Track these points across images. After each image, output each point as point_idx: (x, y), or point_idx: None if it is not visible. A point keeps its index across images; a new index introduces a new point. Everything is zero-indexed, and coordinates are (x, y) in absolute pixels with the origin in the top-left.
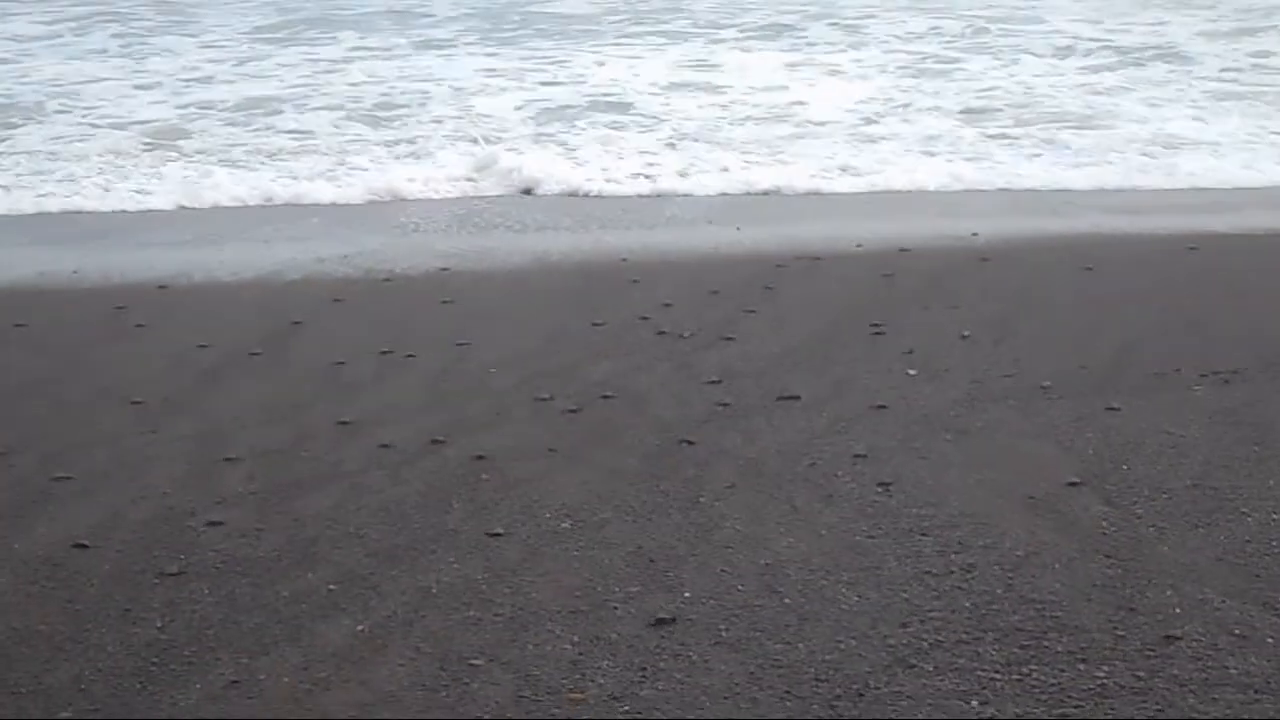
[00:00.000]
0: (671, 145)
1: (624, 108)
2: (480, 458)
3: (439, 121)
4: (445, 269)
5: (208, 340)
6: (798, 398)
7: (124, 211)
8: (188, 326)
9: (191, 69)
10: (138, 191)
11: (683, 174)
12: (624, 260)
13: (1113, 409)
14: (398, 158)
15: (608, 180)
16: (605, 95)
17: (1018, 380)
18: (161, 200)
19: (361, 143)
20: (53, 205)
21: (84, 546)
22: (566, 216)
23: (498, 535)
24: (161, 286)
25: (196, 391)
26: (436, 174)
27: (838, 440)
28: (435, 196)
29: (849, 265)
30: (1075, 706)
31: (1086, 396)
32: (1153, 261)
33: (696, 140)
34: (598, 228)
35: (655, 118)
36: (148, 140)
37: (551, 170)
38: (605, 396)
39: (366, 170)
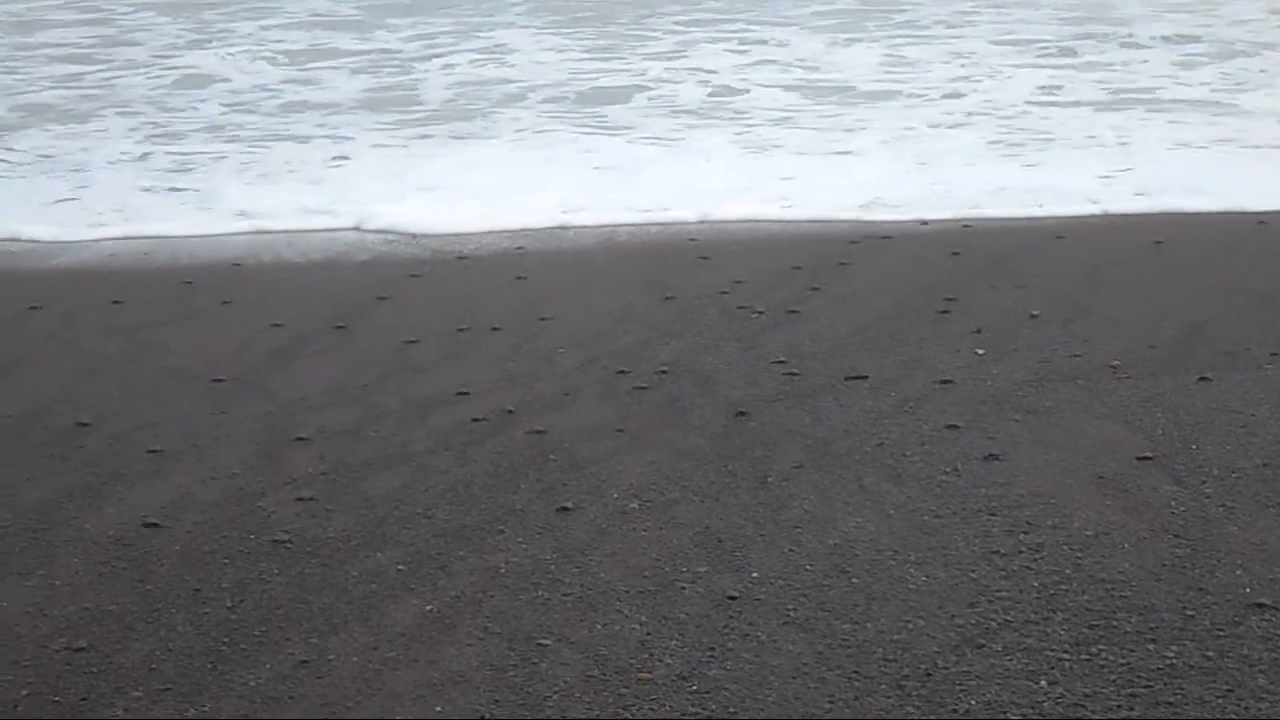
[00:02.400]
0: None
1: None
2: (548, 438)
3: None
4: (520, 248)
5: (280, 320)
6: (866, 377)
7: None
8: (260, 306)
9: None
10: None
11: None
12: (692, 240)
13: (1182, 388)
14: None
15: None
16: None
17: (1086, 359)
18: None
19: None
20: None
21: (155, 526)
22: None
23: (566, 515)
24: (236, 265)
25: (268, 371)
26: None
27: (906, 420)
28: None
29: (916, 243)
30: (1145, 686)
31: (1156, 375)
32: (1222, 237)
33: None
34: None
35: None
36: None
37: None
38: (673, 375)
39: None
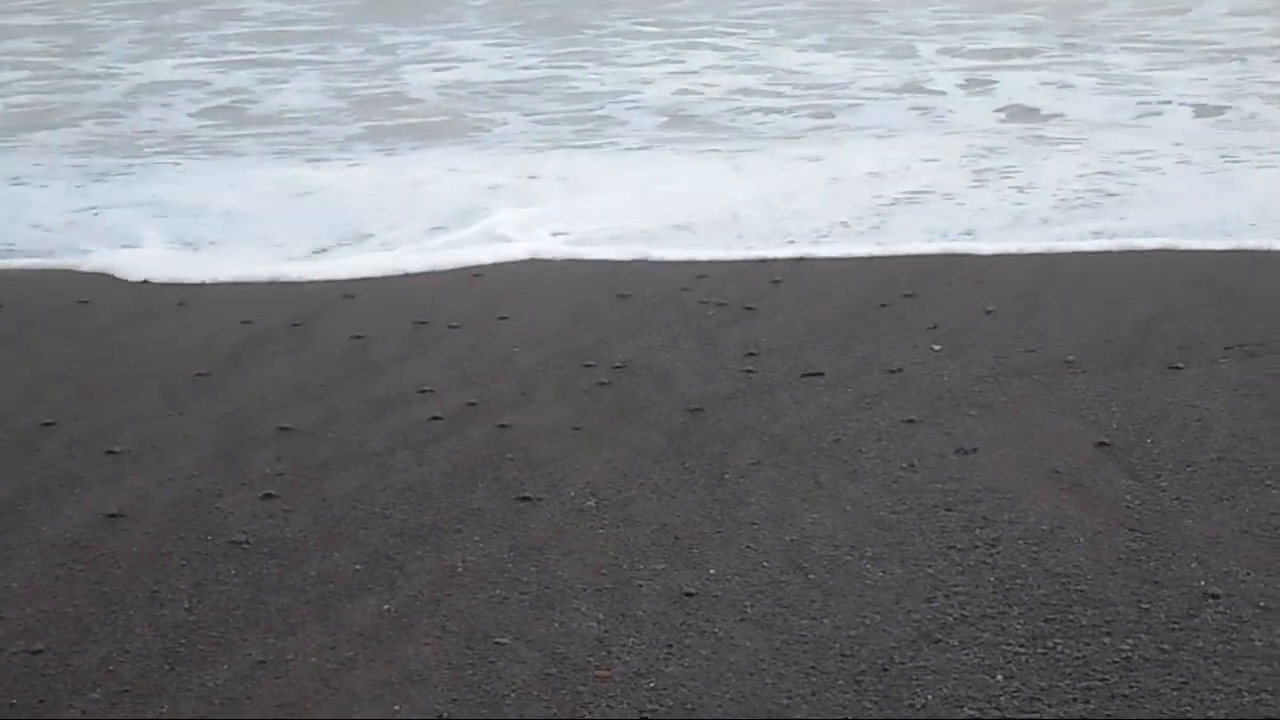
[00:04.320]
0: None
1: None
2: (506, 436)
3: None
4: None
5: (237, 320)
6: (822, 373)
7: None
8: (216, 306)
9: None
10: None
11: None
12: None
13: (1138, 382)
14: None
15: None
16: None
17: (1041, 354)
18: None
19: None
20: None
21: (112, 528)
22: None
23: (523, 513)
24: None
25: (226, 371)
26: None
27: (862, 416)
28: None
29: None
30: (1100, 679)
31: (1110, 370)
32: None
33: None
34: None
35: None
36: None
37: None
38: (631, 373)
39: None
